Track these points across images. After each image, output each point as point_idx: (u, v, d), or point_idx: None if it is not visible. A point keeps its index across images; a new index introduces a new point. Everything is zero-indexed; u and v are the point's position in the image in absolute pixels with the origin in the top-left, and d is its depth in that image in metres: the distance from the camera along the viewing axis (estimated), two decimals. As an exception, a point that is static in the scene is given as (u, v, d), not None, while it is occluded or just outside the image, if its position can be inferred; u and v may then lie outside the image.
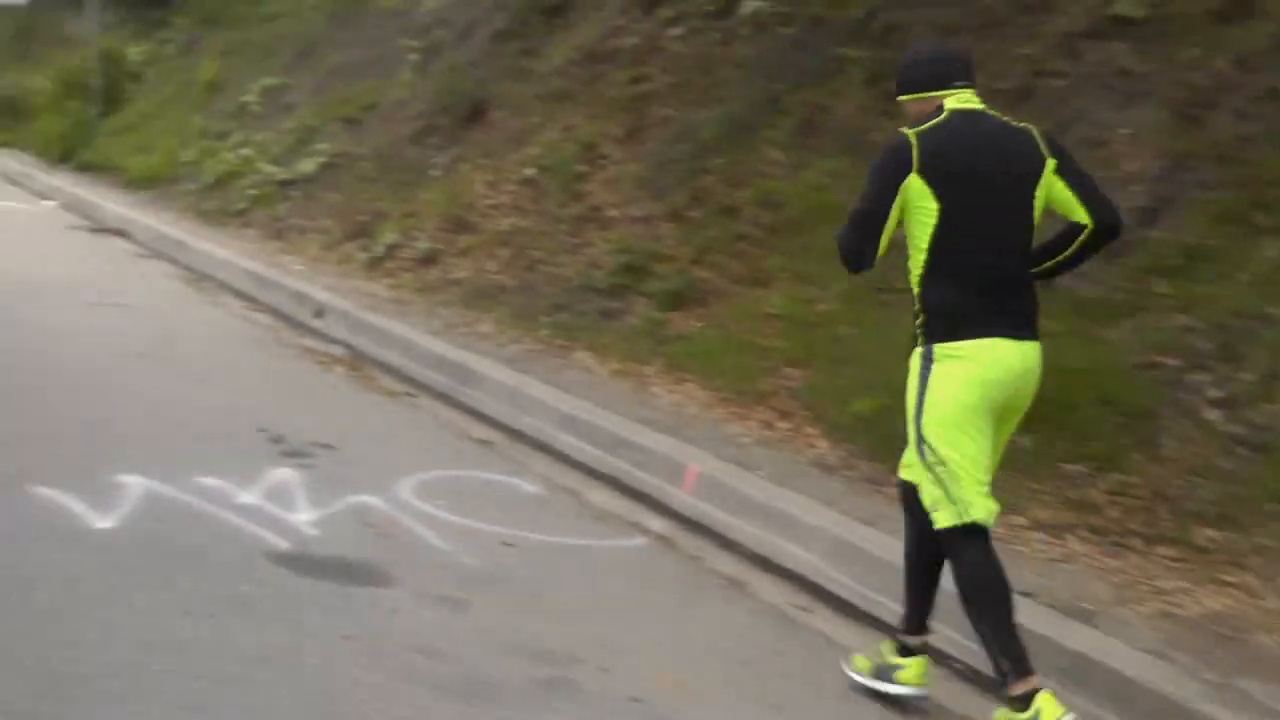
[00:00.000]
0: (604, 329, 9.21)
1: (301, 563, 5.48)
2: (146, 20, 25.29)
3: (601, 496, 6.98)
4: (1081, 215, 4.54)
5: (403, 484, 6.58)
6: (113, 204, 15.99)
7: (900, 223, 4.55)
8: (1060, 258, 4.70)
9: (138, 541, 5.50)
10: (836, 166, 8.85)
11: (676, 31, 11.92)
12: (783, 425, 7.50)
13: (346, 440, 7.32)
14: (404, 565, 5.58)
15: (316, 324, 10.27)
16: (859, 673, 4.83)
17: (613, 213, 10.33)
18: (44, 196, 17.90)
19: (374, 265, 11.51)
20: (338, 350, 9.68)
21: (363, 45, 16.40)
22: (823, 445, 7.16)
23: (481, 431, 8.01)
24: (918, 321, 4.57)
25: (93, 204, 16.11)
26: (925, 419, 4.49)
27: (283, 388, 8.70)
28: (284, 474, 6.54)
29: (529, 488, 7.03)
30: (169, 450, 6.74)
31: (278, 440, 7.13)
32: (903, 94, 4.77)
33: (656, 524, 6.60)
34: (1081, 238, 4.59)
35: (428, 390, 8.79)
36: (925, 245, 4.52)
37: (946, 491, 4.44)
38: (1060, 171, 4.54)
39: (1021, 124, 4.65)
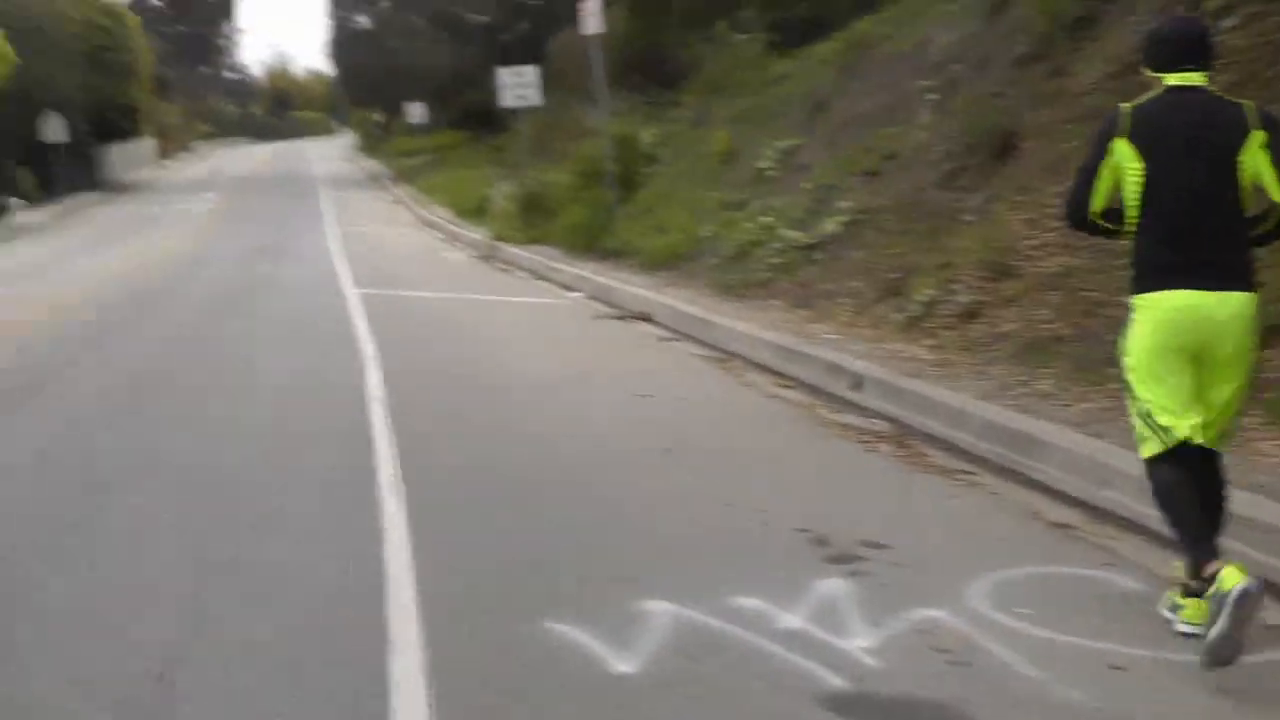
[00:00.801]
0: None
1: (861, 706, 4.59)
2: (657, 103, 25.73)
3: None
4: (1275, 193, 4.90)
5: (974, 590, 5.55)
6: (634, 288, 15.98)
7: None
8: (1258, 230, 5.08)
9: (663, 687, 4.78)
10: None
11: (1230, 23, 10.37)
12: None
13: (900, 536, 6.37)
14: (988, 704, 4.54)
15: (854, 396, 9.45)
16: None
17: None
18: (569, 288, 18.23)
19: (911, 325, 10.61)
20: (880, 425, 8.78)
21: (873, 94, 15.70)
22: None
23: (1057, 512, 6.81)
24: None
25: (614, 290, 16.18)
26: (1126, 365, 5.19)
27: (822, 476, 7.88)
28: (832, 586, 5.67)
29: (1127, 583, 5.75)
30: (699, 564, 6.07)
31: (821, 543, 6.27)
32: (1143, 67, 5.33)
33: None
34: (1274, 216, 4.98)
35: (986, 465, 7.68)
36: (1135, 203, 5.05)
37: (1148, 424, 5.03)
38: (1268, 145, 4.85)
39: (1238, 100, 5.07)
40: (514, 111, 29.01)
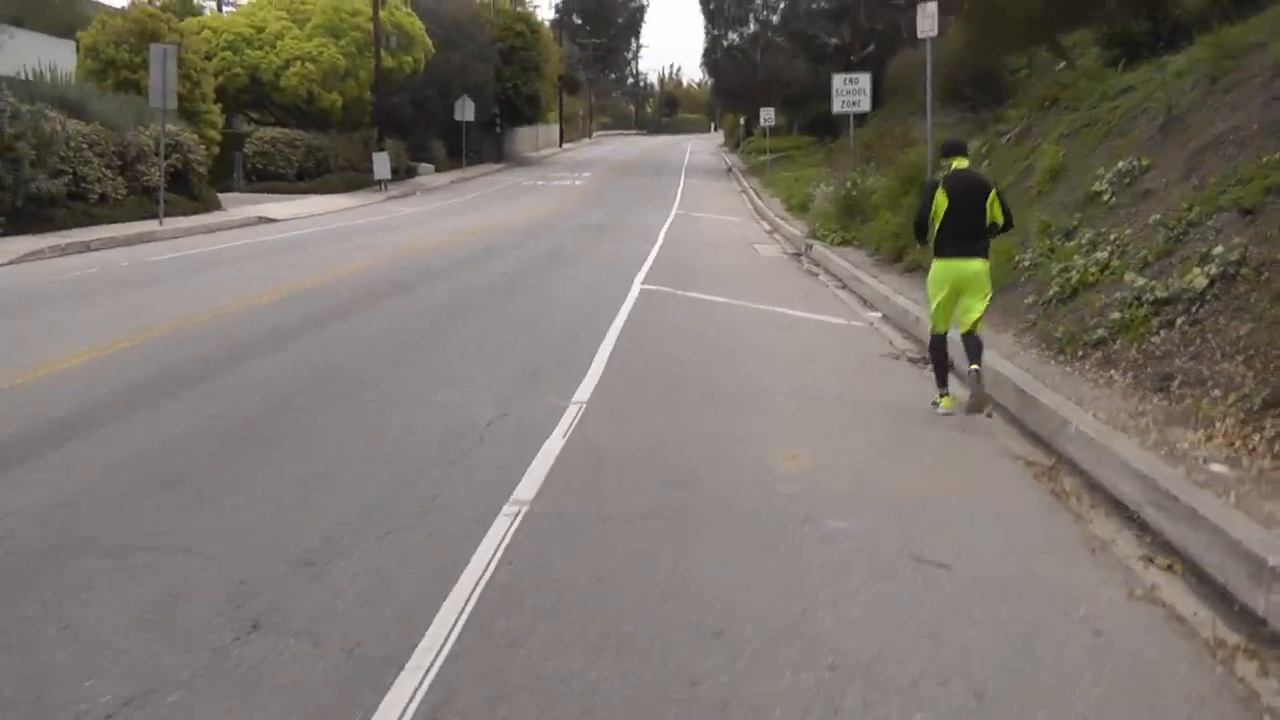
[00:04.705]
0: None
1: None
2: (983, 119, 20.71)
3: None
4: (998, 219, 8.07)
5: None
6: (938, 319, 11.11)
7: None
8: (992, 234, 8.14)
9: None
10: None
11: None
12: None
13: None
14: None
15: None
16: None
17: None
18: (869, 305, 13.43)
19: None
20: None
21: (1248, 110, 10.15)
22: None
23: None
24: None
25: (916, 319, 11.18)
26: (928, 293, 8.33)
27: None
28: None
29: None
30: None
31: None
32: (943, 157, 8.54)
33: None
34: (999, 228, 8.13)
35: None
36: (941, 221, 8.02)
37: (934, 320, 8.18)
38: (997, 197, 8.05)
39: (981, 175, 8.80)
40: (849, 120, 25.97)
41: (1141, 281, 8.65)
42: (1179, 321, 7.94)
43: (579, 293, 14.08)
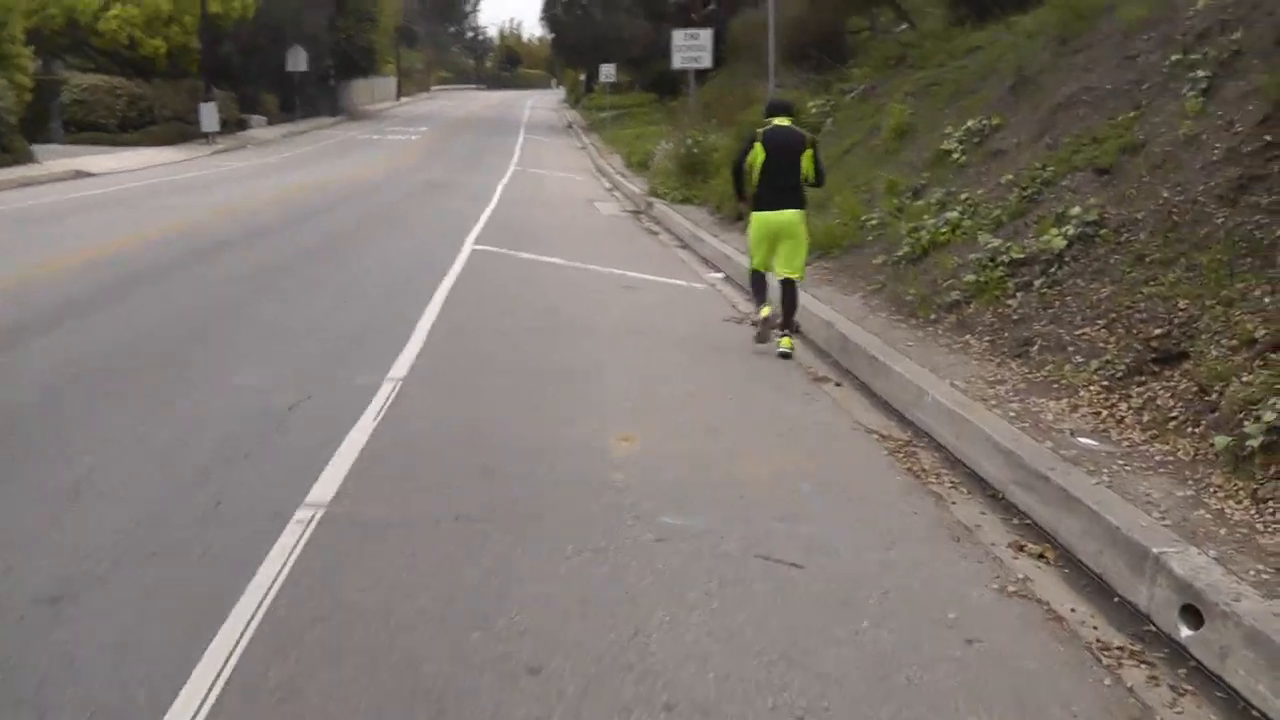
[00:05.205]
0: None
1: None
2: (826, 79, 20.37)
3: None
4: (809, 173, 8.40)
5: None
6: (784, 281, 10.59)
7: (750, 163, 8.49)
8: (805, 185, 8.46)
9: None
10: None
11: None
12: None
13: None
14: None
15: (1193, 641, 4.00)
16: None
17: None
18: (709, 265, 12.85)
19: (1242, 461, 4.78)
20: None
21: (1102, 69, 9.83)
22: None
23: None
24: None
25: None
26: (749, 243, 8.75)
27: None
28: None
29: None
30: None
31: None
32: (765, 116, 8.77)
33: None
34: (811, 182, 8.45)
35: None
36: (759, 172, 8.38)
37: (752, 262, 8.69)
38: (812, 151, 8.39)
39: (799, 131, 8.60)
40: (689, 77, 25.05)
41: (996, 242, 8.23)
42: (1037, 284, 7.52)
43: (406, 256, 13.10)
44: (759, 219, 8.43)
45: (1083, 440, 5.33)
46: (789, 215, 8.32)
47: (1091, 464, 5.00)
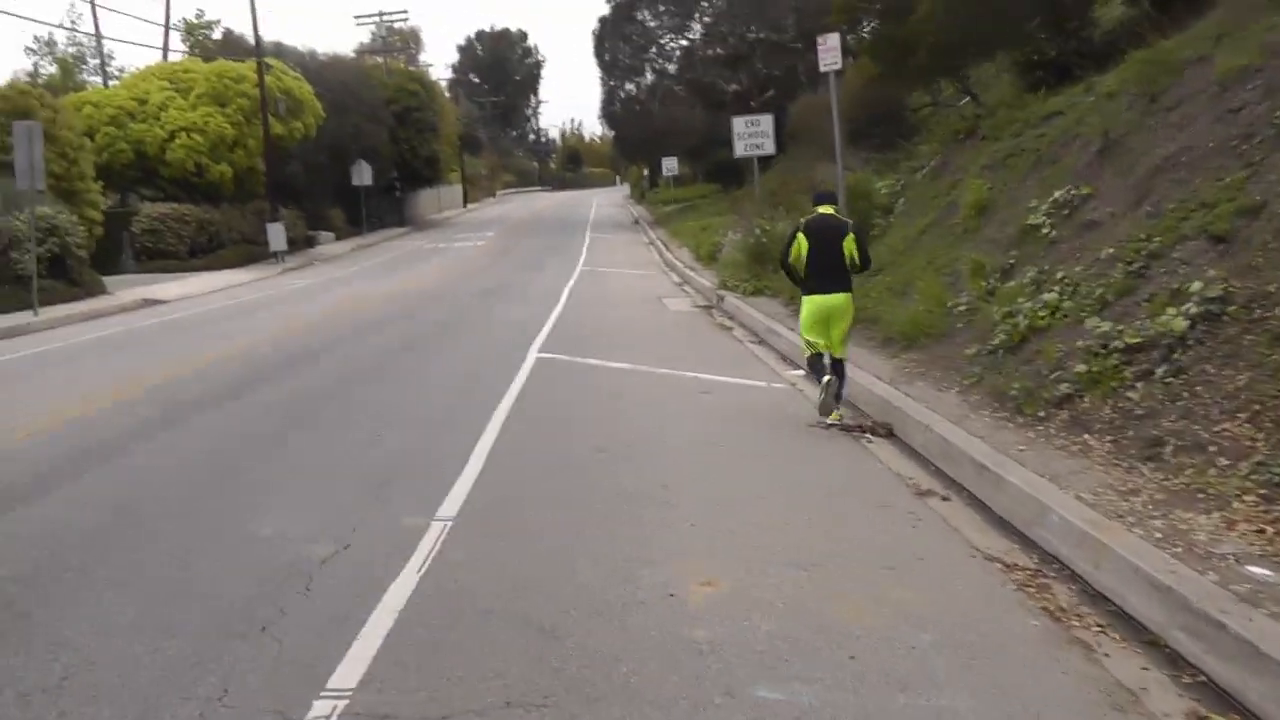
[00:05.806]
0: None
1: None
2: (892, 157, 19.81)
3: None
4: (855, 257, 9.00)
5: None
6: (871, 375, 9.74)
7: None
8: (852, 271, 9.07)
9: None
10: None
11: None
12: None
13: None
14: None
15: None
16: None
17: None
18: (787, 360, 12.08)
19: None
20: None
21: (1199, 125, 9.01)
22: None
23: None
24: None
25: (847, 379, 9.74)
26: (802, 326, 9.27)
27: None
28: None
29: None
30: None
31: None
32: (813, 204, 9.46)
33: None
34: (857, 267, 9.06)
35: None
36: (804, 260, 9.04)
37: (809, 346, 9.18)
38: (855, 238, 9.01)
39: (840, 218, 9.32)
40: (753, 164, 25.37)
41: (1105, 326, 7.39)
42: (1159, 372, 6.64)
43: (466, 365, 12.56)
44: (811, 302, 9.07)
45: (1253, 570, 4.45)
46: (840, 299, 8.98)
47: (1274, 603, 4.12)
